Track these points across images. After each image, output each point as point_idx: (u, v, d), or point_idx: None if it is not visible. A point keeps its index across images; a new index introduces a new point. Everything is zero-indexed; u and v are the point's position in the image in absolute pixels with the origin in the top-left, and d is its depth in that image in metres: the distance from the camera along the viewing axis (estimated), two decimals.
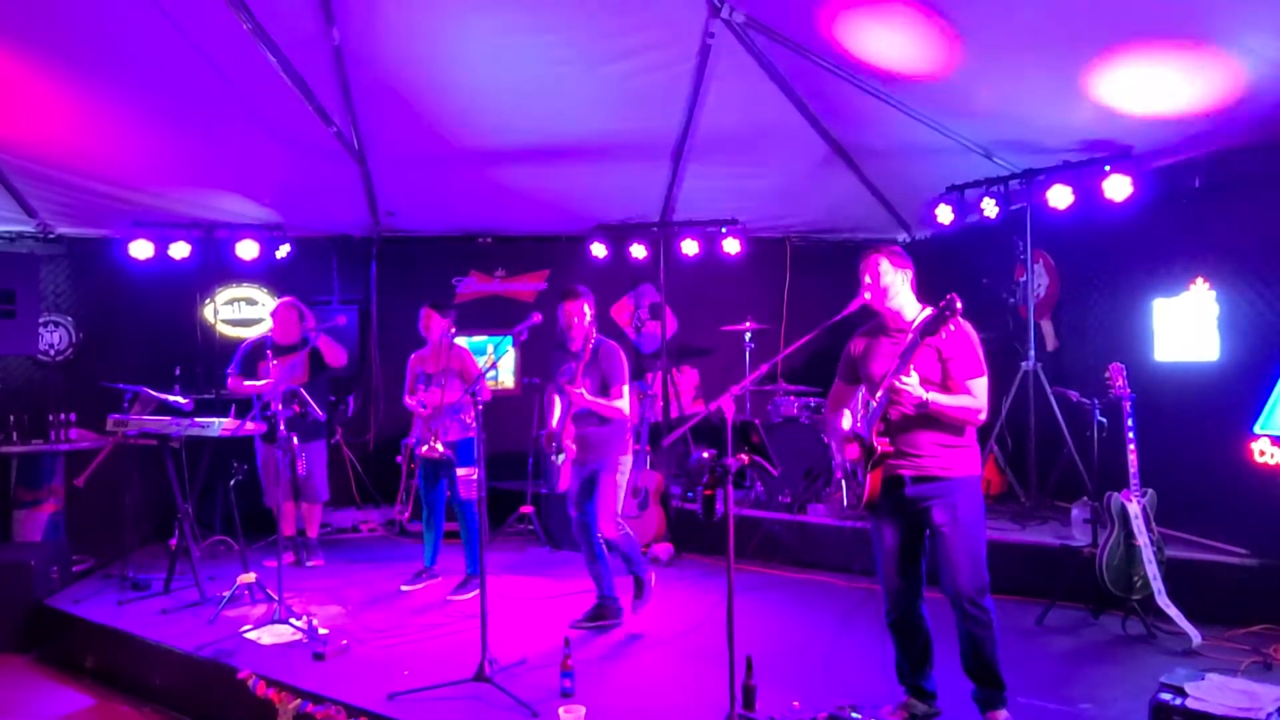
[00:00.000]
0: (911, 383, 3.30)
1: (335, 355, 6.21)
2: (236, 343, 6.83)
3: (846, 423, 3.65)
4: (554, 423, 4.77)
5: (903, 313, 3.54)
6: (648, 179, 7.16)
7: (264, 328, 7.77)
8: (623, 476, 4.76)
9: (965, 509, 3.43)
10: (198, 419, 5.52)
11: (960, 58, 4.97)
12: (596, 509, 4.68)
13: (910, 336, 3.36)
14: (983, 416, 3.45)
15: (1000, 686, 3.49)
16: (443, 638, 4.78)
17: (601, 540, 4.76)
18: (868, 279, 3.55)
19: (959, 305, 3.22)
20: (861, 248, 3.68)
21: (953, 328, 3.26)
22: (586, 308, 4.71)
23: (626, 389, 4.71)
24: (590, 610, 4.88)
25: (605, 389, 4.65)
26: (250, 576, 5.21)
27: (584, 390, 4.55)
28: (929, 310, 3.42)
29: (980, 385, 3.44)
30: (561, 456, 4.69)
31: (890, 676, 3.75)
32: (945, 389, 3.42)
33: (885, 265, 3.53)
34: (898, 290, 3.54)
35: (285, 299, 6.24)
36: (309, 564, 6.21)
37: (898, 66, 5.21)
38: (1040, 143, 5.74)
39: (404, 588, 5.71)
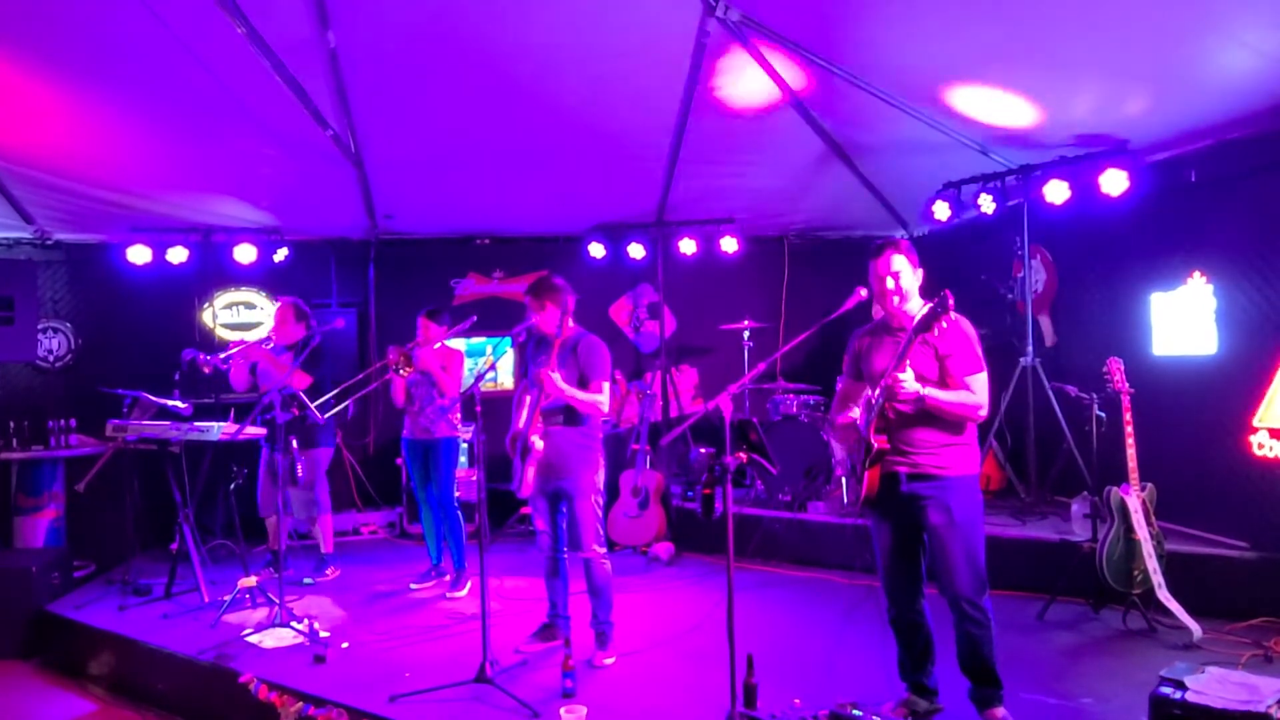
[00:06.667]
0: (906, 378, 3.30)
1: (296, 379, 5.79)
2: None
3: (854, 415, 3.64)
4: (520, 423, 4.43)
5: (908, 312, 3.53)
6: (645, 179, 7.16)
7: (263, 331, 7.80)
8: (599, 497, 4.46)
9: (961, 509, 3.42)
10: (197, 423, 5.53)
11: None
12: (580, 534, 4.39)
13: (906, 334, 3.36)
14: (983, 413, 3.45)
15: (997, 685, 3.50)
16: (444, 639, 4.79)
17: (566, 559, 4.56)
18: (890, 282, 3.50)
19: (952, 302, 3.22)
20: (859, 245, 3.68)
21: (945, 325, 3.24)
22: (563, 300, 4.40)
23: (606, 385, 4.39)
24: (540, 627, 4.66)
25: (583, 384, 4.34)
26: (251, 580, 5.20)
27: (557, 375, 4.25)
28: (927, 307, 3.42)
29: (979, 381, 3.44)
30: (527, 453, 4.32)
31: (891, 673, 3.76)
32: (944, 386, 3.41)
33: (905, 265, 3.50)
34: (914, 294, 3.54)
35: (283, 298, 6.16)
36: (325, 571, 6.09)
37: None
38: (1036, 138, 5.74)
39: (413, 586, 5.78)
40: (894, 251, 3.52)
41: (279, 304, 6.08)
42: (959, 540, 3.40)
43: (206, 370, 5.66)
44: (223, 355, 5.64)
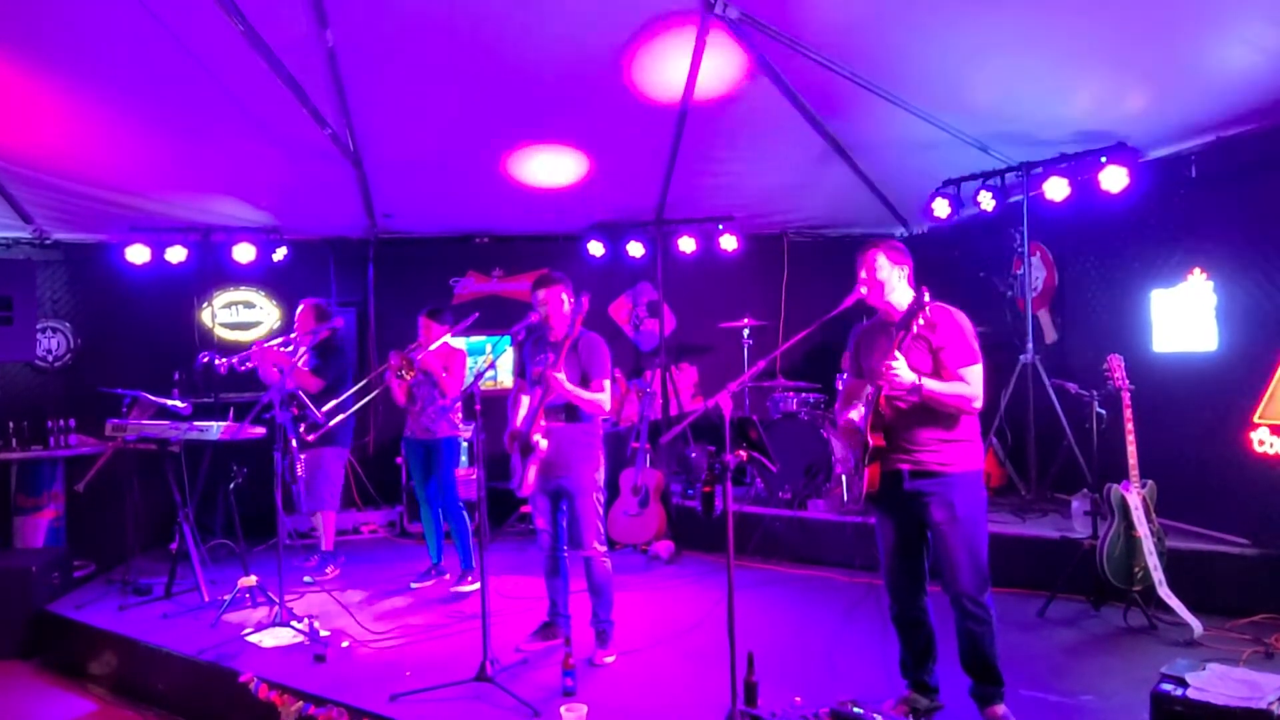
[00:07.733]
0: (899, 366, 3.30)
1: (308, 382, 5.87)
2: (235, 347, 6.83)
3: (855, 415, 3.64)
4: (519, 422, 4.42)
5: (898, 307, 3.54)
6: (644, 176, 7.15)
7: (261, 331, 7.80)
8: (600, 495, 4.46)
9: (964, 505, 3.42)
10: (196, 423, 5.52)
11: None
12: (581, 532, 4.38)
13: (894, 330, 3.38)
14: (978, 404, 3.45)
15: (998, 683, 3.49)
16: (444, 638, 4.79)
17: (566, 557, 4.54)
18: (863, 273, 3.57)
19: (927, 297, 3.26)
20: (859, 243, 3.69)
21: (923, 320, 3.27)
22: (564, 295, 4.41)
23: (608, 384, 4.39)
24: (541, 626, 4.65)
25: (585, 382, 4.34)
26: (251, 579, 5.20)
27: (562, 376, 4.23)
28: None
29: (974, 372, 3.43)
30: (528, 451, 4.29)
31: (892, 671, 3.75)
32: (938, 379, 3.41)
33: (881, 259, 3.55)
34: (894, 286, 3.56)
35: (306, 300, 6.09)
36: (325, 570, 6.07)
37: None
38: (1036, 135, 5.74)
39: (414, 585, 5.78)
40: (872, 248, 3.58)
41: (302, 306, 6.05)
42: (961, 537, 3.40)
43: (222, 370, 5.80)
44: (238, 358, 5.76)
